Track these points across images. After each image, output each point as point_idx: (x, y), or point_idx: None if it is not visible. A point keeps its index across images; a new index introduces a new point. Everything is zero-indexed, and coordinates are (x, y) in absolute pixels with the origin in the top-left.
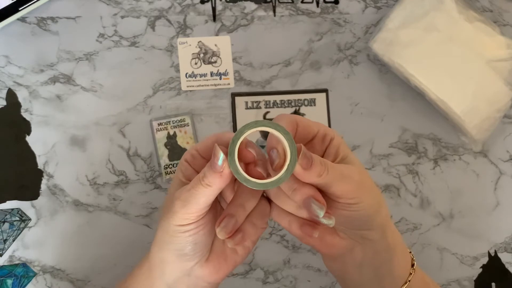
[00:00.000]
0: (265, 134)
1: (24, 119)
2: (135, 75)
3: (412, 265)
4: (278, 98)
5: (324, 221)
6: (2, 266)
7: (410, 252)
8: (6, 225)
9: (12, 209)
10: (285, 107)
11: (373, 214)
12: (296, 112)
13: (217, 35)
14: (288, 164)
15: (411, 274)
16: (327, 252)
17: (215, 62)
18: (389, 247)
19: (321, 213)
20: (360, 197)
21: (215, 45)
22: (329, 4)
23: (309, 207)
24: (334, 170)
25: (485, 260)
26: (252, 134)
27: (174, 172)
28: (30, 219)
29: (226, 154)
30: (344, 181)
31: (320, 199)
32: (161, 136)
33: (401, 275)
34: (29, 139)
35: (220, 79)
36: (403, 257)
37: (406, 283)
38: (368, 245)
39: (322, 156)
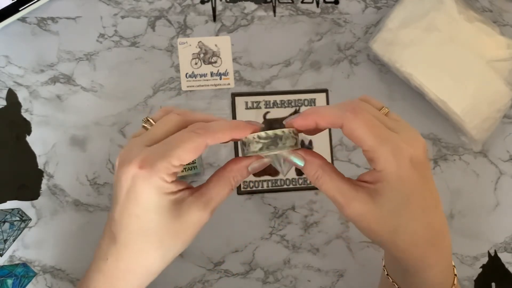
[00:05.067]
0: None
1: (24, 119)
2: (135, 75)
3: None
4: (278, 98)
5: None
6: (2, 266)
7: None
8: (6, 225)
9: (12, 209)
10: (285, 107)
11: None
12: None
13: (217, 35)
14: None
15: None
16: None
17: (215, 62)
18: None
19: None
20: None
21: (215, 45)
22: (329, 4)
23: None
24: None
25: (485, 260)
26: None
27: None
28: (30, 219)
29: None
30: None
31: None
32: None
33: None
34: (29, 139)
35: (220, 79)
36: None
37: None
38: None
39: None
